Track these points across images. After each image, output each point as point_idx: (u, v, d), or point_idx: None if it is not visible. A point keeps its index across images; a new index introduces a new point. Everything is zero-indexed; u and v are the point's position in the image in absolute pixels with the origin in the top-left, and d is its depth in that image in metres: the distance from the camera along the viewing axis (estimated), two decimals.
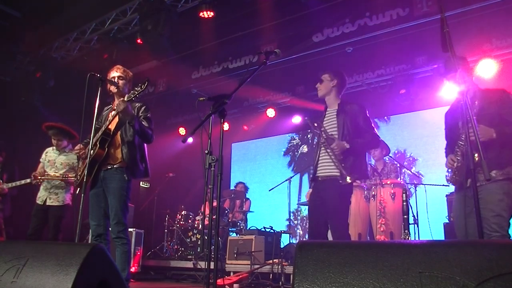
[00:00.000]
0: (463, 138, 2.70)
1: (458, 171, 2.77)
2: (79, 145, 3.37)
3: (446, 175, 2.95)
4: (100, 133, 3.27)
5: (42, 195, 4.74)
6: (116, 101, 3.41)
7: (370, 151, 5.46)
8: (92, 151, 3.20)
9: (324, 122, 3.35)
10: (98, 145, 3.22)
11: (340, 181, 3.08)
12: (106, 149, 3.24)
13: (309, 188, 3.58)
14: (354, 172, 3.12)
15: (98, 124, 3.39)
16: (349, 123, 3.19)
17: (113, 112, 3.30)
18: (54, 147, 4.89)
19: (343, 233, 3.11)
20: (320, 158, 3.27)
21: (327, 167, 3.21)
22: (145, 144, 3.44)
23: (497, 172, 2.61)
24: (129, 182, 3.25)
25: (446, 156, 2.99)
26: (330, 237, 3.39)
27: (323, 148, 3.26)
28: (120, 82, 3.40)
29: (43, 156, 4.92)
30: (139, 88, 3.12)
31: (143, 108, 3.43)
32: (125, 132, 3.28)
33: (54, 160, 4.82)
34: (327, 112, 3.40)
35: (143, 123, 3.34)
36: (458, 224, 2.83)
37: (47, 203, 4.68)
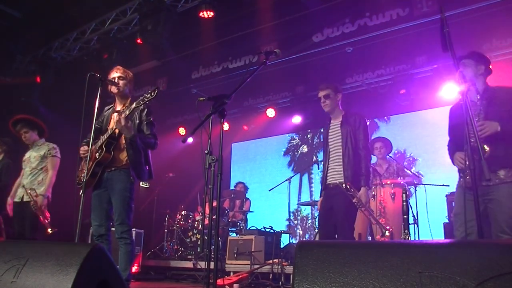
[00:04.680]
0: (472, 135, 2.65)
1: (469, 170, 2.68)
2: (84, 146, 3.33)
3: (460, 180, 2.76)
4: (106, 136, 3.25)
5: (19, 193, 4.57)
6: (117, 103, 3.46)
7: (373, 150, 5.49)
8: (97, 154, 3.21)
9: (329, 134, 3.65)
10: (104, 149, 3.21)
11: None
12: (112, 152, 3.23)
13: (320, 196, 3.72)
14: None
15: (98, 124, 3.39)
16: (352, 135, 3.50)
17: (115, 114, 3.29)
18: (30, 148, 4.73)
19: (350, 237, 3.36)
20: (329, 166, 3.56)
21: (336, 175, 3.49)
22: None
23: (505, 173, 2.55)
24: (133, 183, 3.25)
25: (450, 153, 2.89)
26: None
27: (331, 156, 3.55)
28: (121, 82, 3.39)
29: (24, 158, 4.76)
30: (149, 96, 3.03)
31: (145, 111, 3.37)
32: None
33: (29, 158, 4.67)
34: (331, 124, 3.68)
35: (144, 129, 3.32)
36: (465, 225, 2.68)
37: (24, 200, 4.48)
